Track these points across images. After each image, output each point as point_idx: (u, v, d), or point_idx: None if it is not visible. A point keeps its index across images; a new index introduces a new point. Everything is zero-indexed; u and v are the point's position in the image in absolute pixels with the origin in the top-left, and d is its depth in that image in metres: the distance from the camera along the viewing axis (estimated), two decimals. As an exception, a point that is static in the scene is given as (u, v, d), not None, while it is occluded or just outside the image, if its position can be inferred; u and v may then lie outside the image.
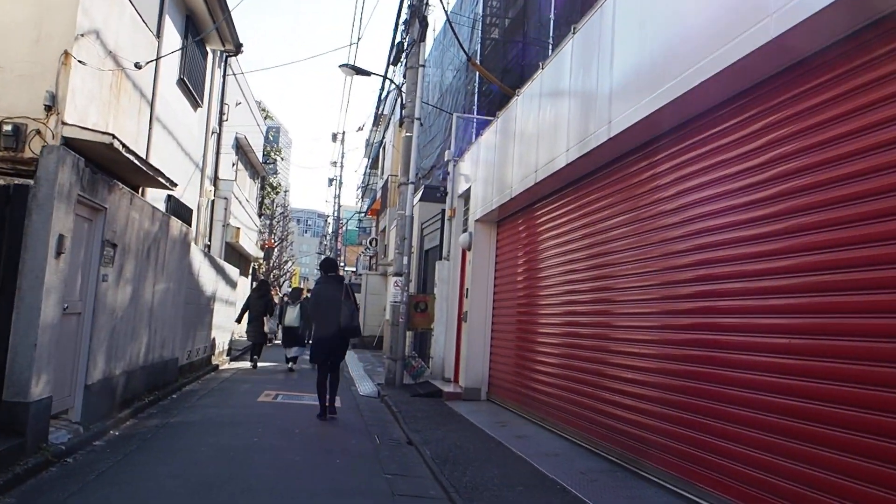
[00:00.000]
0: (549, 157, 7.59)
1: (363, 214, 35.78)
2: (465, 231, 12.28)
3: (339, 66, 12.75)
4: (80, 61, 8.18)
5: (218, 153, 15.82)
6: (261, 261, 27.10)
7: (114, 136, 7.86)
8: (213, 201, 15.44)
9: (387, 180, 24.60)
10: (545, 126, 7.83)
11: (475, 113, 14.44)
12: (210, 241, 15.67)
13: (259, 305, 15.11)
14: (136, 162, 8.67)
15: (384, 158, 29.18)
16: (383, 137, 27.13)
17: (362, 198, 39.58)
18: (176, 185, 10.52)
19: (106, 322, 7.12)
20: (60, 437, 6.08)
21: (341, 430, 8.18)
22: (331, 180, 41.74)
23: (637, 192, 6.35)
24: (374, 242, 26.29)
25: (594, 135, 6.36)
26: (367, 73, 12.95)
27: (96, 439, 6.69)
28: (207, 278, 12.90)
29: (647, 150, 6.16)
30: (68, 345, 6.44)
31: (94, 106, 8.80)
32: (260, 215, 26.44)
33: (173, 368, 10.45)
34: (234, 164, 20.59)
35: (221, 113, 15.90)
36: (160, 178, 9.77)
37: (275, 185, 29.89)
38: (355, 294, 9.39)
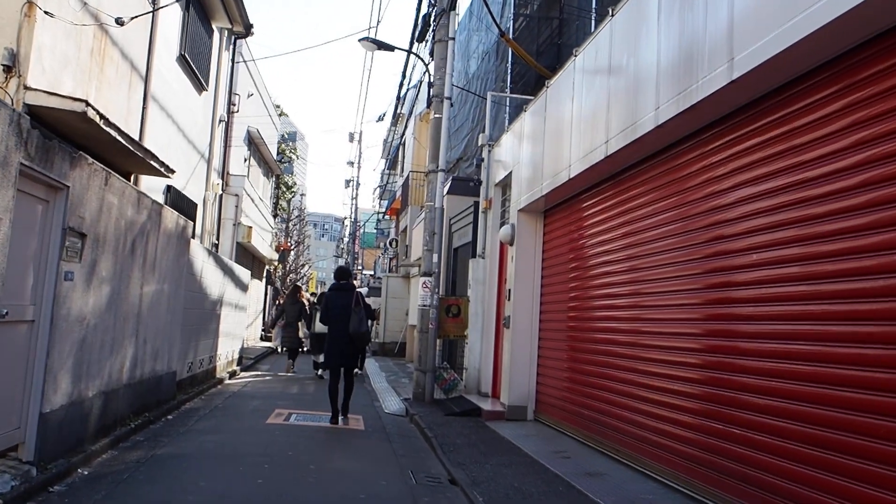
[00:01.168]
0: (627, 121, 5.97)
1: (382, 215, 34.21)
2: (503, 223, 10.67)
3: (360, 40, 11.23)
4: (47, 13, 6.68)
5: (227, 144, 14.32)
6: (275, 263, 25.59)
7: (87, 104, 6.35)
8: (221, 196, 13.95)
9: (408, 177, 23.04)
10: (624, 81, 6.20)
11: (508, 97, 12.82)
12: (218, 239, 14.18)
13: (293, 311, 14.58)
14: (118, 138, 7.15)
15: (404, 157, 27.65)
16: (403, 134, 25.60)
17: (380, 199, 38.05)
18: (173, 171, 9.01)
19: (71, 332, 5.58)
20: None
21: (367, 463, 6.59)
22: (347, 181, 40.25)
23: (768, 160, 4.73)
24: (394, 243, 24.73)
25: (706, 80, 4.73)
26: (391, 48, 11.40)
27: (55, 483, 5.14)
28: (213, 280, 11.37)
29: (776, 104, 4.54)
30: (13, 363, 4.90)
31: (69, 72, 7.29)
32: (275, 216, 24.96)
33: (170, 384, 8.91)
34: (245, 160, 19.13)
35: (230, 101, 14.40)
36: (152, 162, 8.25)
37: (290, 184, 28.40)
38: (366, 301, 9.33)
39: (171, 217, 8.39)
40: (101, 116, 6.65)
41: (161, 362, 8.42)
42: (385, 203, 38.43)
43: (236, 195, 17.20)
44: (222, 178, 14.08)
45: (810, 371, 4.14)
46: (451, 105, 11.69)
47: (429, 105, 11.39)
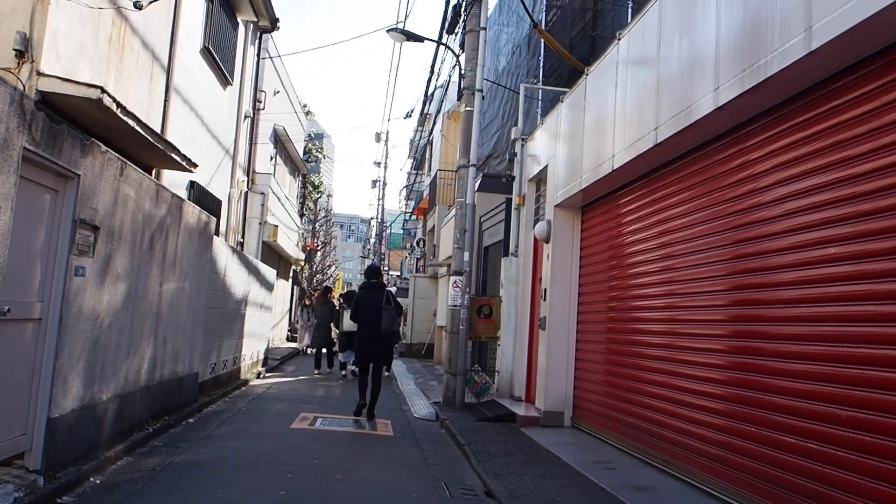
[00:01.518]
0: (680, 104, 5.46)
1: (409, 215, 33.84)
2: (537, 220, 10.19)
3: (388, 31, 10.80)
4: (61, -5, 6.34)
5: (252, 141, 14.00)
6: (302, 263, 25.32)
7: (103, 90, 5.99)
8: (246, 194, 13.62)
9: (435, 176, 22.62)
10: (676, 61, 5.69)
11: (539, 90, 12.31)
12: (244, 238, 13.85)
13: (325, 312, 14.61)
14: (136, 128, 6.79)
15: (431, 156, 27.24)
16: (430, 132, 25.18)
17: (407, 199, 37.68)
18: (195, 165, 8.65)
19: (83, 331, 5.21)
20: (1, 498, 4.17)
21: (396, 473, 6.15)
22: (374, 181, 39.96)
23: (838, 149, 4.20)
24: (421, 243, 24.31)
25: (778, 53, 4.22)
26: (420, 39, 10.96)
27: (64, 493, 4.77)
28: (237, 279, 11.02)
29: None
30: (17, 364, 4.53)
31: (85, 60, 6.95)
32: (301, 216, 24.68)
33: (191, 386, 8.55)
34: (271, 158, 18.85)
35: (256, 97, 14.07)
36: (173, 154, 7.89)
37: (317, 183, 28.11)
38: (396, 299, 9.44)
39: (192, 212, 8.03)
40: (118, 104, 6.29)
41: (182, 363, 8.06)
42: (412, 203, 38.09)
43: (262, 193, 16.92)
44: (248, 176, 13.76)
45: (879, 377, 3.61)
46: (483, 98, 11.23)
47: (459, 98, 10.95)
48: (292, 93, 20.70)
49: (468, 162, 10.53)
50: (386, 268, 44.60)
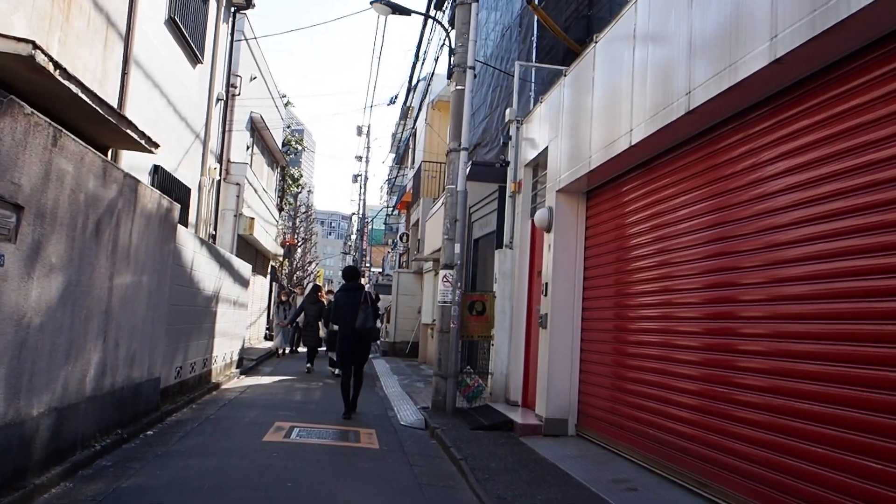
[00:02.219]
0: (723, 62, 4.58)
1: (391, 210, 32.86)
2: (535, 207, 9.32)
3: (372, 3, 9.85)
4: (-15, -66, 5.35)
5: (226, 127, 12.98)
6: (280, 258, 24.26)
7: (35, 45, 5.02)
8: (219, 183, 12.61)
9: (419, 168, 21.67)
10: (715, 12, 4.80)
11: (532, 71, 11.39)
12: (216, 230, 12.84)
13: (313, 310, 14.43)
14: (81, 96, 5.82)
15: (415, 148, 26.29)
16: (415, 123, 24.22)
17: (389, 194, 36.69)
18: (157, 145, 7.67)
19: (3, 333, 4.23)
20: None
21: (384, 497, 5.23)
22: (356, 176, 38.92)
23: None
24: (405, 238, 23.37)
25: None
26: (407, 12, 10.04)
27: (-27, 536, 3.80)
28: (207, 273, 10.03)
29: None
30: None
31: (21, 15, 5.95)
32: (280, 210, 23.63)
33: (151, 392, 7.56)
34: (248, 148, 17.81)
35: (230, 80, 13.05)
36: (128, 131, 6.92)
37: (296, 176, 27.04)
38: (373, 298, 9.57)
39: (151, 196, 7.03)
40: (56, 65, 5.31)
41: (139, 368, 7.07)
42: (394, 199, 37.07)
43: (237, 184, 15.89)
44: (221, 164, 12.74)
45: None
46: (475, 76, 10.33)
47: (449, 77, 10.06)
48: (270, 80, 19.66)
49: (459, 145, 9.62)
50: (367, 264, 43.59)
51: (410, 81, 15.05)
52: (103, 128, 6.91)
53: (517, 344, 9.39)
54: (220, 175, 12.62)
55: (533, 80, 11.11)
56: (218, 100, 12.37)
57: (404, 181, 30.73)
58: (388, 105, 17.20)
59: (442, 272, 9.61)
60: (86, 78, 6.98)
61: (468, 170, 12.95)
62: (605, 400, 7.13)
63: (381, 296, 18.50)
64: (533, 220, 9.46)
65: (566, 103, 7.93)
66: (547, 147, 8.53)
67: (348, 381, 8.95)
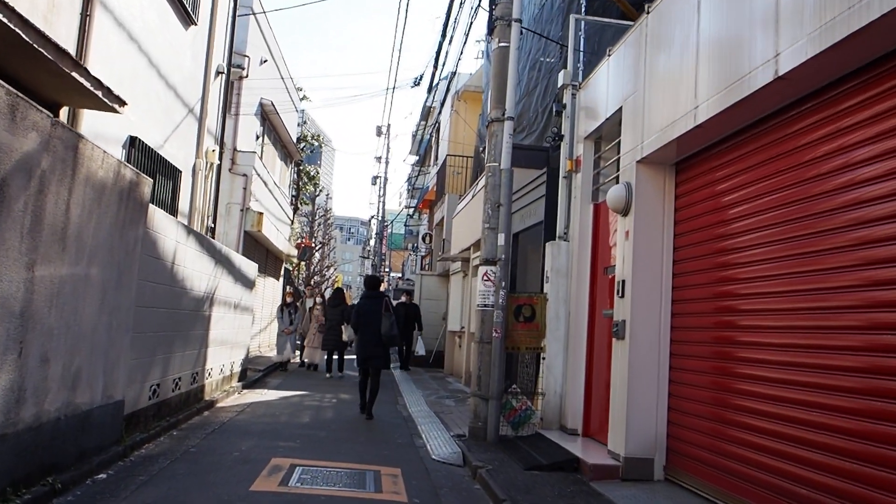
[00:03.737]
0: None
1: (413, 211, 31.02)
2: (597, 189, 7.44)
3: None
4: None
5: (227, 105, 11.17)
6: (295, 261, 22.45)
7: None
8: (218, 168, 10.80)
9: (444, 163, 19.82)
10: None
11: (581, 39, 9.41)
12: (215, 223, 11.02)
13: (336, 314, 13.62)
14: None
15: (437, 146, 24.45)
16: (438, 117, 22.36)
17: (409, 197, 34.84)
18: (122, 102, 5.87)
19: None
20: None
21: None
22: (375, 177, 37.13)
23: None
24: (427, 238, 21.50)
25: None
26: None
27: None
28: (197, 270, 8.19)
29: None
30: None
31: None
32: (294, 209, 21.85)
33: (109, 421, 5.70)
34: (258, 137, 16.03)
35: (232, 48, 11.23)
36: (75, 73, 5.13)
37: (312, 174, 25.24)
38: (394, 305, 10.02)
39: (103, 162, 5.18)
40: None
41: (88, 390, 5.21)
42: (414, 201, 35.25)
43: (244, 175, 14.15)
44: (221, 147, 10.92)
45: None
46: (522, 33, 8.46)
47: (490, 32, 8.22)
48: (283, 67, 17.89)
49: (503, 114, 7.72)
50: (387, 269, 41.78)
51: (437, 58, 13.25)
52: (43, 71, 5.10)
53: (575, 358, 7.45)
54: (220, 160, 10.81)
55: (582, 49, 9.17)
56: (218, 73, 10.57)
57: (426, 182, 28.95)
58: (413, 87, 15.25)
59: (482, 269, 7.70)
60: (37, 19, 5.20)
61: (505, 154, 11.08)
62: (706, 435, 5.19)
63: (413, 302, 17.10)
64: (595, 206, 7.53)
65: (652, 45, 6.00)
66: (620, 108, 6.60)
67: (365, 381, 9.18)
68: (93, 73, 5.57)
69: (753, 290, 4.78)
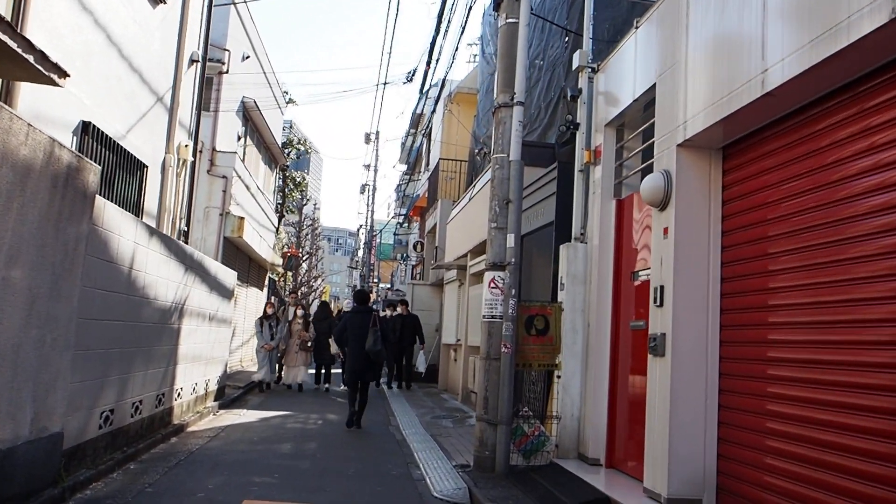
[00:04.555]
0: None
1: (402, 218, 30.01)
2: (619, 182, 6.49)
3: None
4: None
5: (203, 97, 10.14)
6: (280, 270, 21.33)
7: None
8: (192, 165, 9.74)
9: (436, 167, 18.85)
10: None
11: (591, 26, 8.46)
12: (189, 226, 9.96)
13: (323, 327, 13.11)
14: None
15: (429, 151, 23.49)
16: (430, 122, 21.40)
17: (399, 204, 33.81)
18: (63, 73, 4.88)
19: None
20: None
21: None
22: (363, 186, 36.09)
23: None
24: (419, 247, 20.49)
25: None
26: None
27: None
28: (162, 277, 7.14)
29: None
30: None
31: None
32: (280, 216, 20.77)
33: (42, 459, 4.63)
34: (239, 138, 14.99)
35: (209, 33, 10.20)
36: (2, 35, 4.08)
37: (299, 180, 24.18)
38: (382, 321, 9.75)
39: (25, 136, 4.14)
40: None
41: (9, 423, 4.15)
42: (403, 209, 34.25)
43: (224, 177, 13.10)
44: (196, 142, 9.87)
45: None
46: (532, 8, 7.51)
47: (496, 7, 7.28)
48: (267, 64, 16.88)
49: (512, 98, 6.75)
50: (376, 280, 40.67)
51: (431, 51, 12.29)
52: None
53: (596, 376, 6.45)
54: (195, 156, 9.76)
55: (591, 37, 8.23)
56: (192, 61, 9.54)
57: (417, 189, 27.96)
58: (405, 83, 14.21)
59: (488, 275, 6.69)
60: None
61: (507, 151, 10.13)
62: (767, 472, 4.20)
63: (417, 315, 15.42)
64: (618, 202, 6.56)
65: (697, 7, 5.05)
66: (652, 87, 5.64)
67: (354, 395, 9.10)
68: (36, 41, 4.55)
69: (830, 299, 3.82)
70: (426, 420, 10.06)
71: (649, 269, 5.69)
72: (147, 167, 8.14)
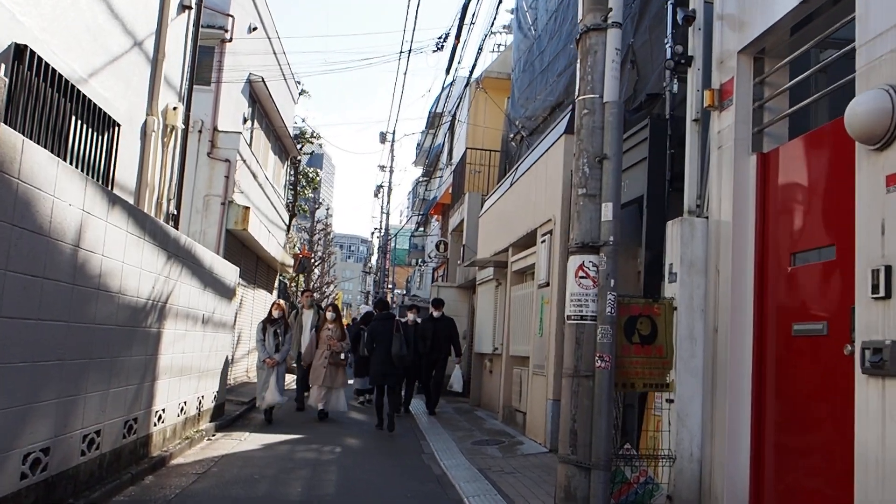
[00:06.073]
0: None
1: (421, 216, 28.15)
2: (758, 132, 4.60)
3: None
4: None
5: (196, 52, 8.30)
6: (291, 272, 19.49)
7: None
8: (184, 133, 7.90)
9: (462, 158, 16.99)
10: None
11: None
12: (178, 209, 8.11)
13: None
14: None
15: (452, 144, 21.65)
16: (455, 109, 19.54)
17: (418, 209, 31.94)
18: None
19: None
20: None
21: None
22: (378, 187, 34.31)
23: None
24: (441, 247, 18.61)
25: None
26: None
27: None
28: (131, 262, 5.29)
29: None
30: None
31: None
32: (291, 215, 18.95)
33: None
34: (245, 119, 13.18)
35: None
36: None
37: (312, 176, 22.36)
38: (406, 327, 9.64)
39: None
40: None
41: None
42: (417, 214, 32.47)
43: (227, 161, 11.29)
44: (187, 105, 8.01)
45: None
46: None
47: None
48: (277, 43, 15.08)
49: (605, 18, 4.84)
50: (391, 286, 38.80)
51: (463, 16, 10.42)
52: None
53: (730, 402, 4.53)
54: (185, 124, 7.91)
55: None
56: (184, 6, 7.72)
57: (434, 191, 26.11)
58: (435, 51, 12.34)
59: (575, 260, 4.78)
60: None
61: (565, 122, 8.29)
62: None
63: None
64: (760, 157, 4.65)
65: None
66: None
67: (382, 400, 9.11)
68: None
69: None
70: (466, 446, 8.14)
71: (830, 245, 3.79)
72: (119, 125, 6.29)
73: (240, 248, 12.66)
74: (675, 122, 5.86)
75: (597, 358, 4.60)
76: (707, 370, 4.77)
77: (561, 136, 8.08)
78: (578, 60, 5.06)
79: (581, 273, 4.73)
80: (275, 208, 15.69)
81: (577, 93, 5.03)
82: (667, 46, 5.45)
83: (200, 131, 11.01)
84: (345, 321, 12.31)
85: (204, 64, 10.94)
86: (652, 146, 5.94)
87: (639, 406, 5.66)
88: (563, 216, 7.91)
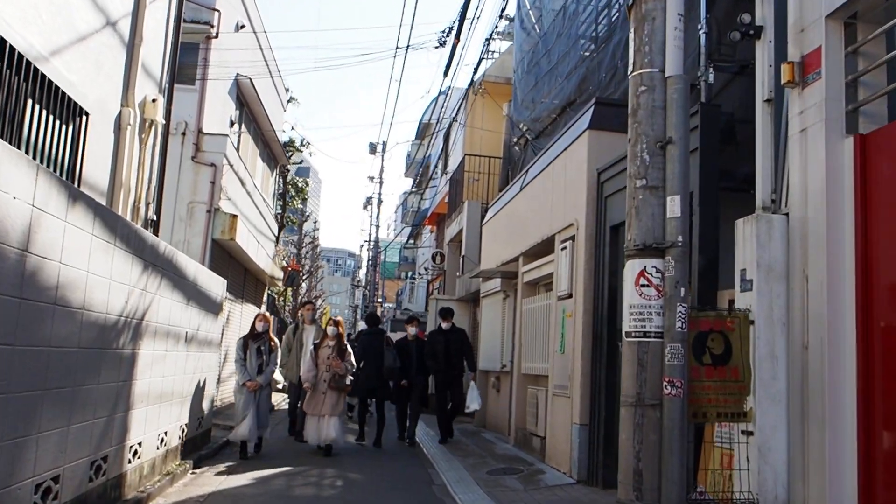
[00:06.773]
0: None
1: (414, 227, 27.32)
2: (853, 110, 3.80)
3: None
4: None
5: (178, 39, 7.44)
6: (280, 286, 18.55)
7: None
8: (165, 128, 7.03)
9: (460, 166, 16.20)
10: None
11: None
12: (159, 215, 7.23)
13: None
14: None
15: (446, 153, 20.88)
16: (454, 116, 18.76)
17: (409, 220, 31.09)
18: None
19: None
20: None
21: None
22: (368, 199, 33.46)
23: None
24: (438, 258, 17.76)
25: None
26: None
27: None
28: (99, 272, 4.42)
29: None
30: None
31: None
32: (280, 226, 18.05)
33: None
34: (232, 123, 12.31)
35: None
36: None
37: (301, 186, 21.48)
38: (394, 342, 9.59)
39: None
40: None
41: None
42: (406, 226, 31.68)
43: (212, 165, 10.43)
44: (168, 97, 7.15)
45: None
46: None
47: None
48: (266, 45, 14.26)
49: (666, -23, 4.06)
50: (380, 300, 37.83)
51: (465, 11, 9.68)
52: None
53: (831, 438, 3.72)
54: (167, 119, 7.05)
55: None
56: (164, -11, 6.87)
57: (425, 203, 25.31)
58: (437, 48, 11.49)
59: (634, 265, 3.96)
60: None
61: (590, 114, 7.53)
62: None
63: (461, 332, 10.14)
64: (858, 139, 3.86)
65: None
66: None
67: (365, 412, 9.39)
68: None
69: None
70: (481, 476, 7.26)
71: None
72: (88, 115, 5.41)
73: (227, 259, 11.75)
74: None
75: (665, 383, 3.78)
76: (794, 395, 3.95)
77: (584, 132, 7.29)
78: (632, 30, 4.26)
79: (643, 280, 3.92)
80: (263, 218, 14.80)
81: (630, 68, 4.23)
82: (700, 33, 4.70)
83: (184, 133, 10.15)
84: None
85: (188, 62, 10.11)
86: (703, 136, 5.15)
87: (696, 434, 4.84)
88: (588, 220, 7.11)
